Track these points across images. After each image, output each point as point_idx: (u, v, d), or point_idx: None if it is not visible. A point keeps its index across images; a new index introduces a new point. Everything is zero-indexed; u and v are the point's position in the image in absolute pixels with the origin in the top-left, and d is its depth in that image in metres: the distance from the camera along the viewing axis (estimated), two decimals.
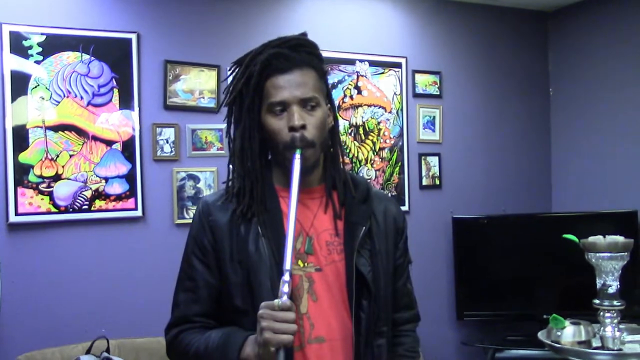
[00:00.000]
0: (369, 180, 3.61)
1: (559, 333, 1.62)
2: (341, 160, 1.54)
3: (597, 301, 1.61)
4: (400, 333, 1.57)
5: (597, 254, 1.60)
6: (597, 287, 1.62)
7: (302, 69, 1.42)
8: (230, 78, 1.50)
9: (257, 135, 1.44)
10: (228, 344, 1.33)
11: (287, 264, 1.25)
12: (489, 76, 4.07)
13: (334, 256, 1.45)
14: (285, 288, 1.24)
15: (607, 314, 1.59)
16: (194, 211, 1.60)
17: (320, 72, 1.48)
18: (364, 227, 1.47)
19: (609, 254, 1.58)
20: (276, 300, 1.23)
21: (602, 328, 1.59)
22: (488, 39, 4.08)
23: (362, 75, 3.67)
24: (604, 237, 1.61)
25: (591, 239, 1.62)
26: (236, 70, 1.48)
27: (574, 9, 4.10)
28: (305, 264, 1.43)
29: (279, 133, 1.40)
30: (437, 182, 3.89)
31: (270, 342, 1.22)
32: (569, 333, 1.61)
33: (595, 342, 1.60)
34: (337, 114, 1.58)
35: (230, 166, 1.51)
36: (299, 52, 1.44)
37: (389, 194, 3.69)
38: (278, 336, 1.21)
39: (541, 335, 1.67)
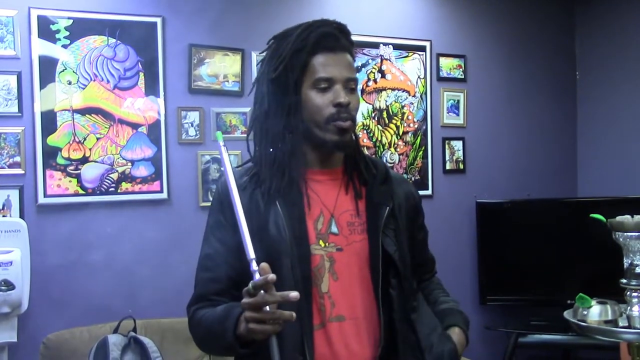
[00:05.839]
0: (392, 164, 3.62)
1: (585, 312, 1.61)
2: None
3: (624, 281, 1.60)
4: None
5: (625, 234, 1.58)
6: (625, 266, 1.60)
7: (345, 52, 1.48)
8: (268, 53, 1.50)
9: (301, 111, 1.44)
10: (227, 319, 1.32)
11: (251, 254, 1.24)
12: (514, 60, 4.03)
13: (355, 236, 1.47)
14: (256, 276, 1.22)
15: (635, 294, 1.57)
16: None
17: (353, 59, 1.52)
18: (387, 207, 1.49)
19: (637, 234, 1.57)
20: (250, 283, 1.21)
21: (629, 307, 1.58)
22: (513, 22, 4.04)
23: (386, 59, 3.65)
24: (632, 216, 1.60)
25: (619, 218, 1.60)
26: (274, 46, 1.49)
27: None
28: (327, 244, 1.44)
29: (322, 108, 1.43)
30: (461, 166, 3.88)
31: (255, 333, 1.22)
32: (596, 312, 1.60)
33: (622, 322, 1.59)
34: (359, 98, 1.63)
35: (251, 144, 1.52)
36: (344, 36, 1.48)
37: (412, 178, 3.68)
38: (263, 327, 1.21)
39: (567, 314, 1.66)
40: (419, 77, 3.74)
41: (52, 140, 2.92)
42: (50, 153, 2.91)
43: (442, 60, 3.81)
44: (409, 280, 1.50)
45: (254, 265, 1.22)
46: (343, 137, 1.44)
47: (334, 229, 1.46)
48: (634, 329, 1.55)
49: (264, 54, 1.52)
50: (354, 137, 1.54)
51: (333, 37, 1.44)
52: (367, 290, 1.45)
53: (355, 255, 1.46)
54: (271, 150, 1.47)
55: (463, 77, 3.87)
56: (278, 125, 1.46)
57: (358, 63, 3.55)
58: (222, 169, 1.33)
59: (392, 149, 3.68)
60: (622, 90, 3.92)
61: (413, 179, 3.69)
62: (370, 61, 3.61)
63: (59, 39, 2.94)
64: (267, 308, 1.21)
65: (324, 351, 1.39)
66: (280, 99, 1.46)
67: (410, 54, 3.72)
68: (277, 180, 1.44)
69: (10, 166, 2.86)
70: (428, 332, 1.50)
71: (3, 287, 2.48)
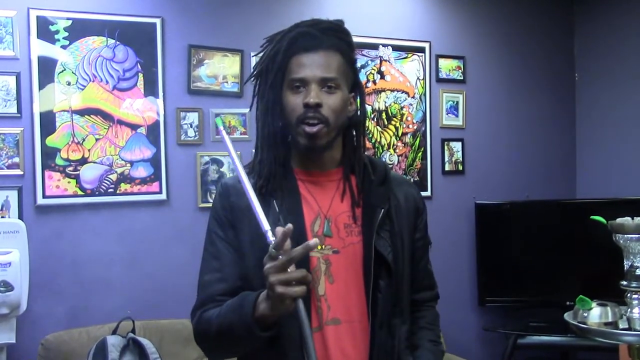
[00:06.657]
0: (391, 166, 3.62)
1: (585, 314, 1.60)
2: (363, 148, 1.55)
3: (624, 283, 1.59)
4: (421, 308, 1.59)
5: (626, 236, 1.57)
6: (625, 268, 1.60)
7: (328, 51, 1.43)
8: (261, 55, 1.51)
9: (278, 112, 1.45)
10: (243, 304, 1.30)
11: (265, 226, 1.22)
12: (513, 61, 4.03)
13: (352, 238, 1.45)
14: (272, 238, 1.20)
15: (635, 296, 1.57)
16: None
17: (348, 58, 1.48)
18: (382, 209, 1.47)
19: (637, 235, 1.56)
20: (270, 246, 1.19)
21: (629, 310, 1.57)
22: (513, 23, 4.04)
23: (385, 60, 3.65)
24: (632, 218, 1.59)
25: (619, 220, 1.60)
26: (266, 47, 1.50)
27: None
28: (323, 246, 1.43)
29: (294, 109, 1.41)
30: (460, 167, 3.87)
31: (284, 296, 1.18)
32: (596, 314, 1.59)
33: (622, 324, 1.58)
34: (365, 103, 1.58)
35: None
36: (328, 35, 1.45)
37: (411, 179, 3.68)
38: (291, 289, 1.18)
39: (567, 316, 1.65)
40: (418, 78, 3.74)
41: (51, 141, 2.91)
42: (49, 154, 2.91)
43: (441, 61, 3.81)
44: (403, 282, 1.48)
45: (270, 236, 1.21)
46: (312, 142, 1.41)
47: (329, 231, 1.45)
48: (635, 331, 1.55)
49: (258, 56, 1.53)
50: (354, 141, 1.53)
51: (310, 36, 1.42)
52: (362, 294, 1.44)
53: (351, 258, 1.44)
54: (260, 151, 1.47)
55: (462, 78, 3.87)
56: (268, 123, 1.46)
57: (357, 64, 3.54)
58: (230, 161, 1.32)
59: (391, 150, 3.68)
60: (622, 91, 3.92)
61: (412, 180, 3.69)
62: (369, 62, 3.61)
63: (58, 40, 2.93)
64: (292, 268, 1.18)
65: (320, 354, 1.38)
66: (264, 100, 1.47)
67: (410, 55, 3.72)
68: (264, 180, 1.44)
69: (9, 167, 2.85)
70: (405, 342, 1.49)
71: (2, 288, 2.47)
